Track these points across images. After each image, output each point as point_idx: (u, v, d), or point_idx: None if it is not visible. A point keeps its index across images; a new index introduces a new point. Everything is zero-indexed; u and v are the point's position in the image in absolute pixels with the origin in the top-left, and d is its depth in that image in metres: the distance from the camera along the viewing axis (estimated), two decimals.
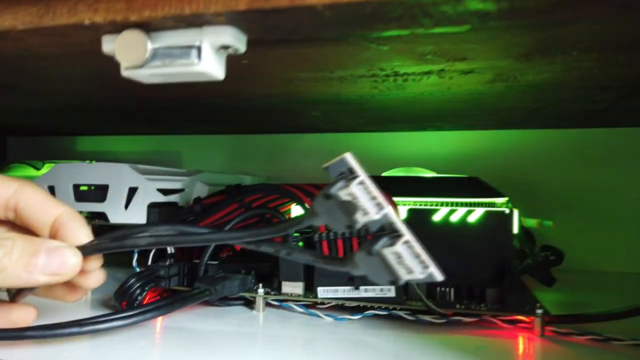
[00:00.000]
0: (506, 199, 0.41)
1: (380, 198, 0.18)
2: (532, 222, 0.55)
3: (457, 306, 0.32)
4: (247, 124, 0.59)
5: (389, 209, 0.18)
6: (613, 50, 0.26)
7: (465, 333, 0.31)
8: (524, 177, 0.56)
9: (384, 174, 0.47)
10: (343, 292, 0.34)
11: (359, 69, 0.30)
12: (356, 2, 0.16)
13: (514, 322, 0.32)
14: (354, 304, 0.33)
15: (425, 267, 0.18)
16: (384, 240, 0.18)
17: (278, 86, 0.36)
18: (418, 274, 0.18)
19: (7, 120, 0.59)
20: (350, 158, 0.19)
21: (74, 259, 0.22)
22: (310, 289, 0.34)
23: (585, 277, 0.50)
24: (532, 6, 0.15)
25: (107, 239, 0.24)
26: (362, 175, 0.18)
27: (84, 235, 0.24)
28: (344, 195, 0.18)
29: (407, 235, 0.18)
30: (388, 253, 0.18)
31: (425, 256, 0.18)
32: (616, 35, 0.23)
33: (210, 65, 0.18)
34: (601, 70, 0.30)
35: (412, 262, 0.18)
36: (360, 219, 0.18)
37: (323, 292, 0.34)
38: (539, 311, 0.30)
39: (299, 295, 0.34)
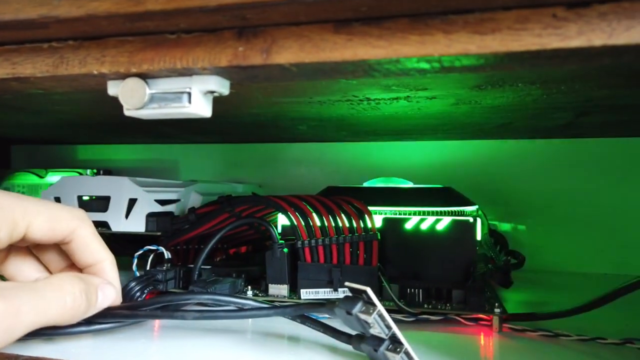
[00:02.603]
0: (476, 207, 0.44)
1: (389, 320, 0.25)
2: (505, 227, 0.59)
3: (425, 306, 0.36)
4: (239, 136, 0.62)
5: (395, 328, 0.25)
6: (554, 82, 0.29)
7: (432, 330, 0.34)
8: (499, 183, 0.60)
9: (364, 184, 0.50)
10: (324, 293, 0.37)
11: (335, 96, 0.34)
12: (317, 62, 0.19)
13: (476, 320, 0.35)
14: None
15: None
16: (386, 343, 0.25)
17: (265, 107, 0.40)
18: None
19: (13, 132, 0.63)
20: (371, 293, 0.25)
21: (117, 298, 0.28)
22: (294, 291, 0.38)
23: (552, 277, 0.54)
24: (459, 66, 0.19)
25: (157, 309, 0.29)
26: (379, 306, 0.24)
27: (117, 281, 0.29)
28: (362, 316, 0.24)
29: (406, 344, 0.25)
30: (389, 354, 0.25)
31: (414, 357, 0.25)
32: (552, 73, 0.27)
33: (199, 107, 0.22)
34: (549, 96, 0.33)
35: None
36: (372, 332, 0.25)
37: (305, 293, 0.37)
38: (497, 310, 0.34)
39: (284, 297, 0.38)
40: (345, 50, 0.19)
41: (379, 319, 0.24)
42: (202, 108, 0.22)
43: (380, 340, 0.25)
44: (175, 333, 0.31)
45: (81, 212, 0.27)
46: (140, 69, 0.21)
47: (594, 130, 0.51)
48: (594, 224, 0.57)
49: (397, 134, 0.56)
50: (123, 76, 0.22)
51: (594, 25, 0.17)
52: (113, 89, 0.23)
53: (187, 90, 0.22)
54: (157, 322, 0.34)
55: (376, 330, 0.24)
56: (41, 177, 0.67)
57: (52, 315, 0.22)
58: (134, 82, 0.22)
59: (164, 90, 0.22)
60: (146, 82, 0.22)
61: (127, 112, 0.22)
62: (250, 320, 0.35)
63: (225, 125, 0.52)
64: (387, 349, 0.25)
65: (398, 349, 0.24)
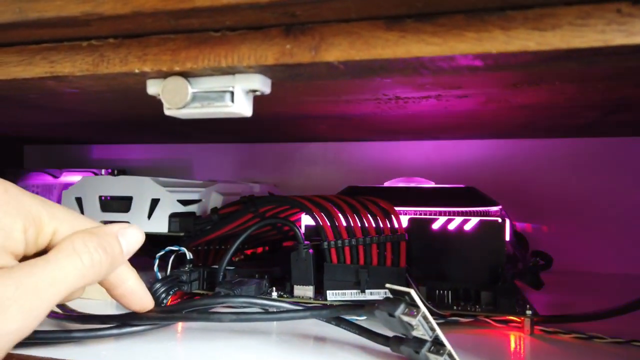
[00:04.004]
0: (499, 207, 0.44)
1: (433, 322, 0.25)
2: (525, 227, 0.59)
3: (455, 307, 0.36)
4: (255, 134, 0.62)
5: (438, 331, 0.24)
6: (591, 80, 0.29)
7: (462, 332, 0.34)
8: (519, 183, 0.59)
9: (385, 184, 0.50)
10: (350, 295, 0.37)
11: (364, 94, 0.33)
12: (367, 59, 0.19)
13: (506, 322, 0.35)
14: None
15: None
16: (428, 345, 0.25)
17: (289, 106, 0.39)
18: None
19: (28, 131, 0.62)
20: (415, 294, 0.24)
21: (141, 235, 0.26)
22: (320, 292, 0.38)
23: (576, 279, 0.53)
24: (514, 63, 0.19)
25: (193, 312, 0.29)
26: (424, 308, 0.24)
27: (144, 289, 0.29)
28: (405, 318, 0.24)
29: (449, 346, 0.24)
30: (431, 356, 0.24)
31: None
32: (592, 71, 0.27)
33: (241, 107, 0.21)
34: (582, 95, 0.33)
35: None
36: (414, 334, 0.25)
37: (332, 295, 0.37)
38: (529, 312, 0.34)
39: (310, 298, 0.38)
40: (398, 48, 0.19)
41: (423, 321, 0.24)
42: (244, 107, 0.22)
43: (422, 342, 0.24)
44: (202, 335, 0.31)
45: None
46: (183, 67, 0.21)
47: (619, 129, 0.51)
48: (616, 224, 0.57)
49: (416, 133, 0.55)
50: (165, 75, 0.21)
51: None
52: (153, 88, 0.22)
53: (230, 89, 0.21)
54: (182, 325, 0.34)
55: (419, 332, 0.24)
56: (56, 177, 0.67)
57: (73, 280, 0.21)
58: (176, 81, 0.21)
59: (206, 89, 0.21)
60: (188, 81, 0.21)
61: (167, 112, 0.22)
62: (275, 322, 0.35)
63: (243, 124, 0.51)
64: (429, 351, 0.24)
65: (441, 351, 0.24)
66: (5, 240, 0.20)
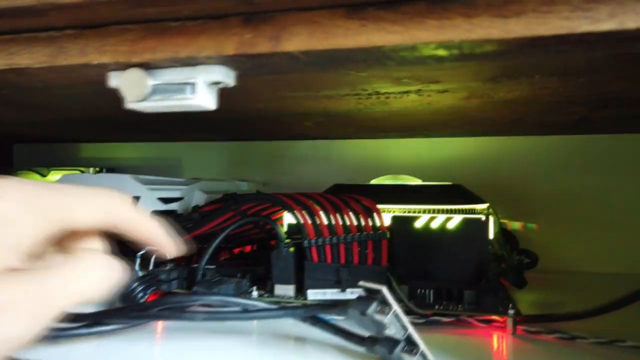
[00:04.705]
0: (486, 205, 0.43)
1: (405, 321, 0.24)
2: (516, 225, 0.58)
3: (436, 307, 0.35)
4: (243, 133, 0.61)
5: (411, 329, 0.24)
6: (572, 74, 0.28)
7: (444, 332, 0.33)
8: (508, 181, 0.59)
9: (371, 182, 0.49)
10: (331, 294, 0.36)
11: (343, 90, 0.33)
12: (328, 49, 0.18)
13: (488, 322, 0.34)
14: None
15: None
16: (401, 345, 0.24)
17: (269, 102, 0.39)
18: None
19: (14, 130, 0.62)
20: (387, 292, 0.24)
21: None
22: (300, 291, 0.37)
23: (565, 278, 0.53)
24: (479, 53, 0.18)
25: (164, 310, 0.29)
26: (395, 307, 0.24)
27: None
28: (377, 317, 0.24)
29: (422, 345, 0.24)
30: (405, 356, 0.24)
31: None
32: (571, 64, 0.26)
33: (203, 99, 0.21)
34: (565, 89, 0.32)
35: None
36: (387, 333, 0.24)
37: (312, 294, 0.36)
38: (511, 311, 0.33)
39: (290, 297, 0.37)
40: (359, 37, 0.18)
41: (395, 320, 0.23)
42: (206, 100, 0.21)
43: (395, 342, 0.24)
44: (179, 335, 0.30)
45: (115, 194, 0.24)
46: (142, 58, 0.20)
47: (607, 125, 0.50)
48: (606, 223, 0.56)
49: (405, 131, 0.55)
50: (124, 66, 0.21)
51: (626, 7, 0.16)
52: (114, 80, 0.22)
53: (192, 80, 0.21)
54: (160, 324, 0.33)
55: (391, 331, 0.23)
56: (44, 175, 0.66)
57: (84, 296, 0.20)
58: (135, 73, 0.21)
59: (167, 81, 0.21)
60: (148, 73, 0.21)
61: (128, 105, 0.21)
62: (255, 322, 0.34)
63: (229, 122, 0.51)
64: (403, 351, 0.24)
65: (414, 351, 0.23)
66: (19, 239, 0.18)
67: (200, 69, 0.20)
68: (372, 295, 0.24)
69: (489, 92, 0.34)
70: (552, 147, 0.58)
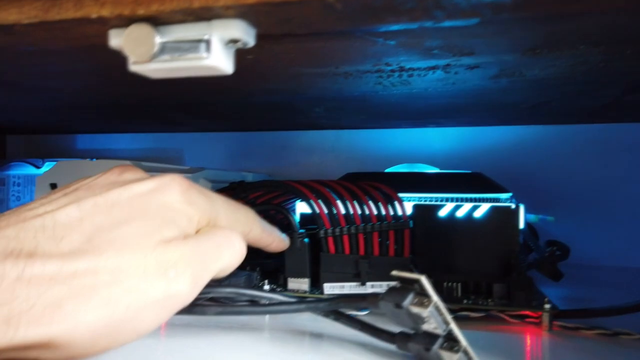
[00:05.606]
0: (510, 194, 0.40)
1: (447, 314, 0.21)
2: (534, 218, 0.55)
3: (465, 301, 0.32)
4: (249, 121, 0.58)
5: (453, 324, 0.21)
6: (620, 43, 0.26)
7: (473, 328, 0.31)
8: (525, 173, 0.56)
9: (386, 170, 0.46)
10: (349, 288, 0.34)
11: (365, 64, 0.30)
12: None
13: (521, 317, 0.31)
14: None
15: None
16: (440, 341, 0.21)
17: (282, 82, 0.36)
18: None
19: (7, 118, 0.59)
20: (426, 282, 0.21)
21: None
22: (316, 285, 0.34)
23: (588, 272, 0.50)
24: None
25: None
26: (436, 298, 0.21)
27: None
28: (415, 310, 0.21)
29: (464, 342, 0.22)
30: (444, 354, 0.21)
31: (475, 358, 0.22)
32: (624, 29, 0.23)
33: (219, 59, 0.18)
34: (607, 64, 0.29)
35: None
36: (425, 328, 0.21)
37: (329, 288, 0.34)
38: (547, 306, 0.30)
39: (305, 292, 0.34)
40: None
41: (436, 313, 0.20)
42: (222, 61, 0.18)
43: (434, 338, 0.21)
44: (185, 331, 0.28)
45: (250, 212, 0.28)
46: (148, 10, 0.17)
47: (633, 113, 0.47)
48: (630, 216, 0.54)
49: (419, 118, 0.52)
50: (127, 21, 0.18)
51: None
52: (116, 39, 0.19)
53: (206, 37, 0.18)
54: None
55: (431, 325, 0.21)
56: (38, 167, 0.63)
57: (230, 260, 0.23)
58: (141, 28, 0.18)
59: (177, 38, 0.18)
60: (156, 30, 0.18)
61: (132, 67, 0.19)
62: (267, 317, 0.32)
63: (235, 108, 0.48)
64: (442, 347, 0.21)
65: (455, 348, 0.21)
66: (180, 220, 0.22)
67: (216, 23, 0.18)
68: (406, 287, 0.22)
69: (521, 69, 0.31)
70: (571, 136, 0.55)
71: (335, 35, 0.23)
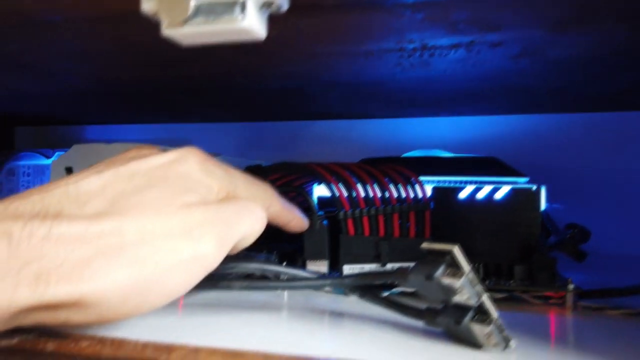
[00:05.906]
0: (527, 178, 0.40)
1: (479, 286, 0.21)
2: (546, 207, 0.55)
3: (486, 282, 0.32)
4: (260, 111, 0.58)
5: (486, 296, 0.21)
6: None
7: (496, 309, 0.30)
8: (539, 161, 0.56)
9: (403, 156, 0.46)
10: (369, 269, 0.33)
11: (389, 41, 0.30)
12: None
13: (544, 298, 0.31)
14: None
15: (507, 340, 0.21)
16: (471, 314, 0.21)
17: (299, 63, 0.36)
18: (500, 347, 0.21)
19: (16, 107, 0.59)
20: (458, 253, 0.21)
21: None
22: (335, 267, 0.34)
23: (607, 261, 0.50)
24: None
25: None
26: (468, 268, 0.21)
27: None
28: (446, 281, 0.20)
29: (496, 314, 0.21)
30: (475, 327, 0.21)
31: (506, 332, 0.21)
32: None
33: (253, 22, 0.18)
34: (631, 44, 0.29)
35: (498, 336, 0.21)
36: (457, 300, 0.21)
37: (349, 269, 0.33)
38: (571, 286, 0.30)
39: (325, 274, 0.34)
40: None
41: (468, 284, 0.20)
42: (256, 24, 0.18)
43: (464, 310, 0.21)
44: (202, 311, 0.28)
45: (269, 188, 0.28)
46: None
47: None
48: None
49: (434, 105, 0.51)
50: None
51: None
52: (148, 3, 0.18)
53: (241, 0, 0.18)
54: (181, 298, 0.30)
55: (463, 297, 0.20)
56: (48, 157, 0.63)
57: (252, 228, 0.24)
58: None
59: (212, 0, 0.18)
60: None
61: (165, 32, 0.18)
62: (285, 294, 0.31)
63: (246, 94, 0.47)
64: (473, 320, 0.21)
65: (487, 320, 0.20)
66: (200, 189, 0.22)
67: None
68: (436, 258, 0.21)
69: (545, 47, 0.31)
70: (586, 124, 0.55)
71: (363, 5, 0.23)
